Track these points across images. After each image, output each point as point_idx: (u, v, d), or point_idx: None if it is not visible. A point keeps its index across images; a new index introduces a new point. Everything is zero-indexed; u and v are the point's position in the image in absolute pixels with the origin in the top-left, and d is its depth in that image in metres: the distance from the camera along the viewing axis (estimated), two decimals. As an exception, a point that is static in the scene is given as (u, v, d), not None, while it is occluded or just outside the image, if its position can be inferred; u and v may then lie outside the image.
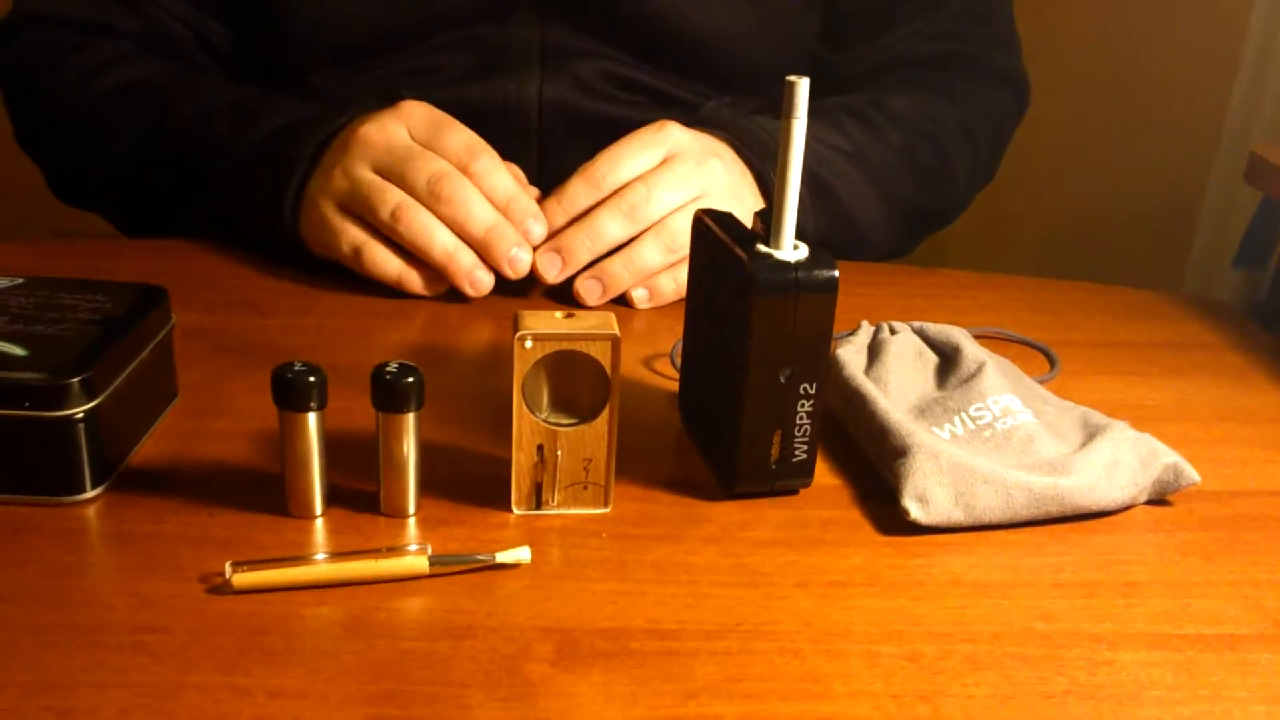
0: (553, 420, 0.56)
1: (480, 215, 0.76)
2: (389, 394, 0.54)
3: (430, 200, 0.76)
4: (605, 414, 0.56)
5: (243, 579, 0.51)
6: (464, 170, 0.77)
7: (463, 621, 0.50)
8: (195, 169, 0.86)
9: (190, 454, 0.61)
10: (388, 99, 0.82)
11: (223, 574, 0.51)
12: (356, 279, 0.83)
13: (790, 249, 0.56)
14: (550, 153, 0.92)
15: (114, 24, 0.93)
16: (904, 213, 0.95)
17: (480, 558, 0.53)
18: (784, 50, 0.97)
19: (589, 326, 0.55)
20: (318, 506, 0.56)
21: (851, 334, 0.71)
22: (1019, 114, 1.07)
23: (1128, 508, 0.61)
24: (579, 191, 0.78)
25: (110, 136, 0.88)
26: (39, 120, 0.94)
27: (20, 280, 0.63)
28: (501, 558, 0.53)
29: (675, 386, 0.70)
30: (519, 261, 0.77)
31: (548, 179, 0.82)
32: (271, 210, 0.81)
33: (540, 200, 0.80)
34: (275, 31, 0.94)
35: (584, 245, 0.78)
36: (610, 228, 0.78)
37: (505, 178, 0.78)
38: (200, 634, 0.48)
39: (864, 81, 0.99)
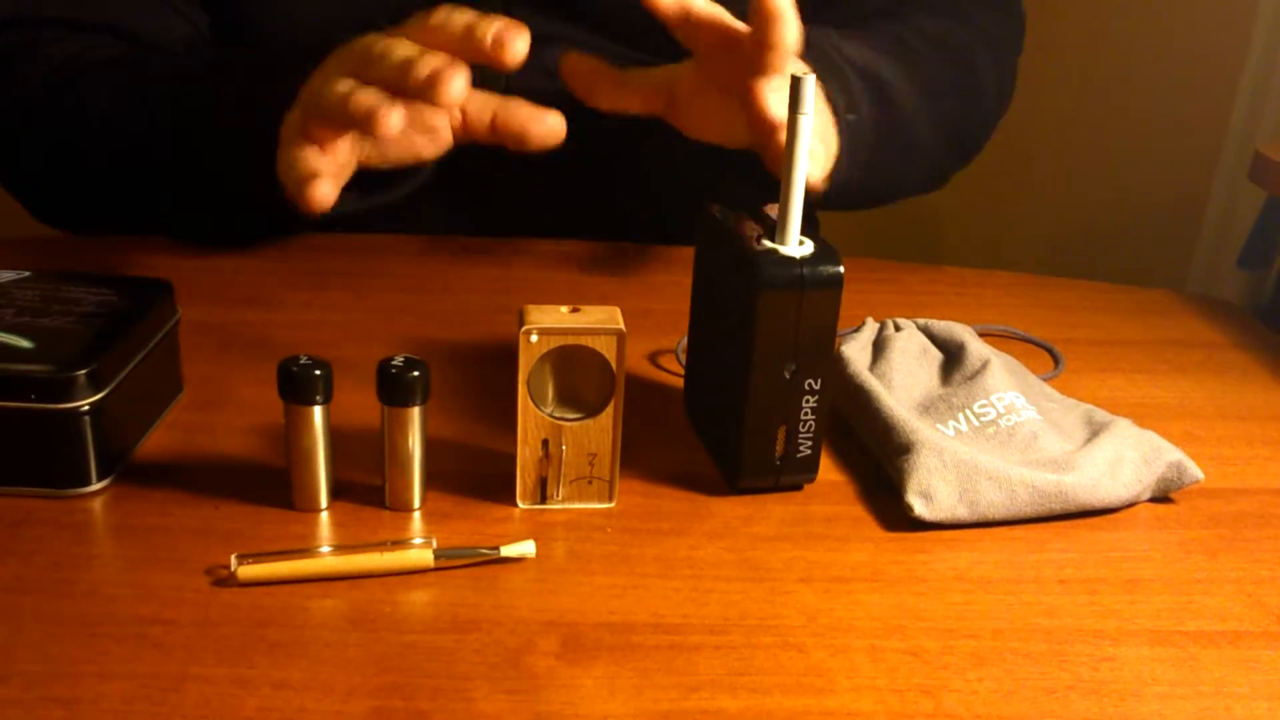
0: (558, 415, 0.57)
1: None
2: (394, 387, 0.54)
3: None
4: (610, 409, 0.56)
5: (248, 571, 0.51)
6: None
7: (467, 614, 0.50)
8: (177, 129, 0.82)
9: (196, 447, 0.61)
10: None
11: (228, 566, 0.51)
12: (362, 273, 0.83)
13: (796, 245, 0.56)
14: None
15: (115, 24, 0.92)
16: (945, 121, 0.94)
17: (485, 551, 0.53)
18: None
19: (594, 321, 0.55)
20: (323, 500, 0.56)
21: (856, 331, 0.71)
22: (1021, 42, 1.06)
23: (1131, 505, 0.61)
24: None
25: (83, 109, 0.86)
26: (10, 120, 0.91)
27: (27, 273, 0.63)
28: (506, 551, 0.53)
29: (680, 382, 0.70)
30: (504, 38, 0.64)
31: (516, 169, 0.80)
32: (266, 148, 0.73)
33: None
34: (242, 21, 0.93)
35: None
36: None
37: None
38: (205, 626, 0.48)
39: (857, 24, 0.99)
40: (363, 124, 0.64)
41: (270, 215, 0.80)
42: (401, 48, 0.66)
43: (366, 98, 0.64)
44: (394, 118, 0.64)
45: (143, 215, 0.89)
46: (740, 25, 0.71)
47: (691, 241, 0.64)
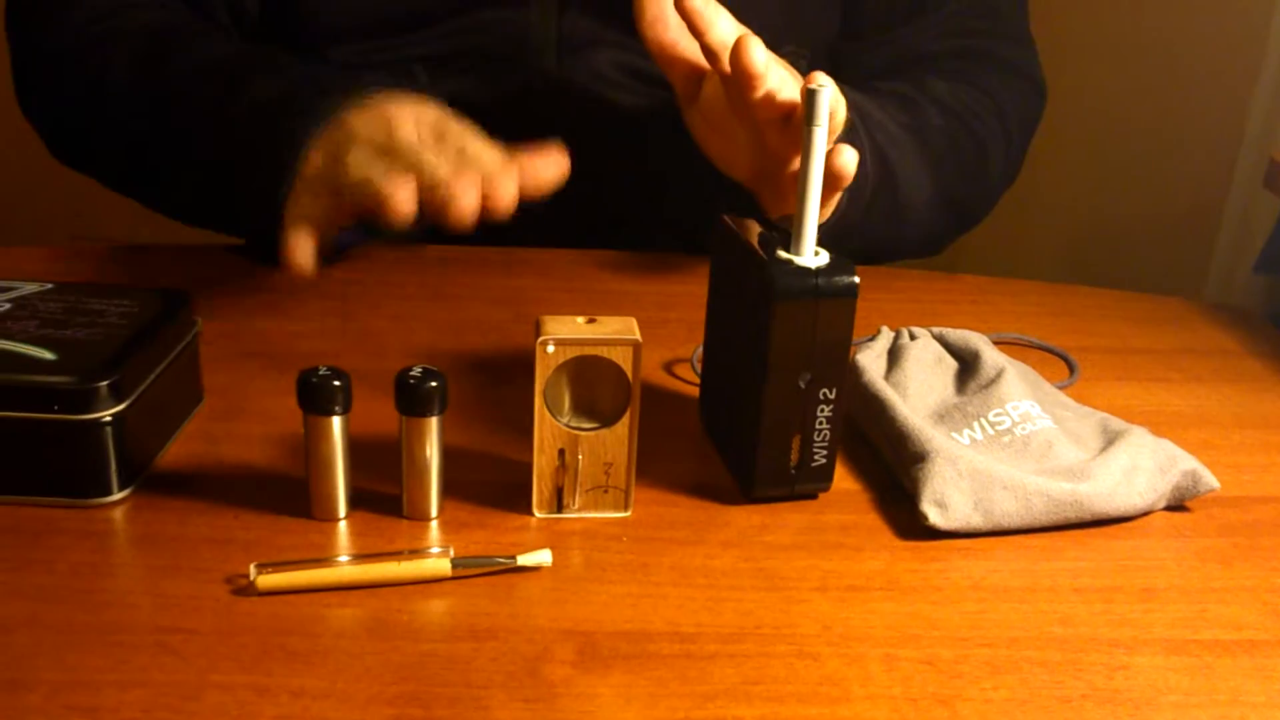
0: (574, 424, 0.57)
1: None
2: (412, 398, 0.55)
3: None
4: (626, 418, 0.56)
5: (267, 580, 0.51)
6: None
7: (484, 623, 0.50)
8: (189, 122, 0.83)
9: (215, 457, 0.62)
10: (391, 83, 0.77)
11: (247, 575, 0.52)
12: (380, 284, 0.83)
13: (811, 255, 0.56)
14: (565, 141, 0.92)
15: None
16: (946, 200, 0.94)
17: (502, 560, 0.54)
18: (805, 46, 0.97)
19: (610, 331, 0.55)
20: (341, 509, 0.57)
21: (871, 339, 0.71)
22: (1039, 115, 1.05)
23: (1146, 513, 0.61)
24: None
25: (106, 71, 0.86)
26: (42, 63, 0.91)
27: (50, 285, 0.63)
28: (523, 560, 0.54)
29: (696, 391, 0.70)
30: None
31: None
32: (272, 176, 0.75)
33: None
34: (295, 3, 0.93)
35: None
36: None
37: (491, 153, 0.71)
38: (224, 634, 0.49)
39: (881, 77, 0.99)
40: (379, 207, 0.67)
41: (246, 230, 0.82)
42: (429, 163, 0.68)
43: (385, 185, 0.67)
44: (408, 202, 0.66)
45: (143, 186, 0.89)
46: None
47: (707, 251, 0.64)
